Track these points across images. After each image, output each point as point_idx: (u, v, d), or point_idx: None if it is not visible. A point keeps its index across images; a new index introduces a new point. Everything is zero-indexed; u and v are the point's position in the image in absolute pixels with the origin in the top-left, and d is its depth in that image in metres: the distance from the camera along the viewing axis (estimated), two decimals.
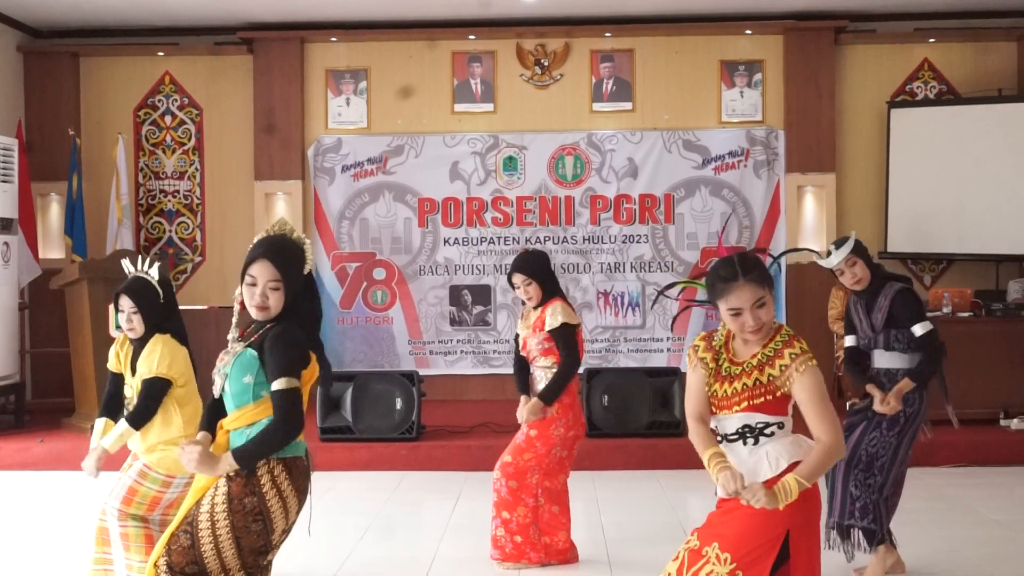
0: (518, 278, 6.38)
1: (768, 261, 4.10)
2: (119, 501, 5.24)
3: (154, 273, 5.34)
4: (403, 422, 9.55)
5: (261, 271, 3.99)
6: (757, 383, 3.78)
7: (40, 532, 7.50)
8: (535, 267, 6.39)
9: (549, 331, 6.30)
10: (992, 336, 9.98)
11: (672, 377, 9.72)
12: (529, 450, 6.34)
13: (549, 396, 6.27)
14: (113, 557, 5.30)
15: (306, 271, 4.08)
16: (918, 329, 6.09)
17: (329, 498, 8.27)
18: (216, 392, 4.10)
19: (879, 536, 6.04)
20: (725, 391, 3.85)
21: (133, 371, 5.33)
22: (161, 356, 5.23)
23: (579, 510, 7.04)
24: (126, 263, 5.46)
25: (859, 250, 6.19)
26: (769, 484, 3.70)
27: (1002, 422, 9.84)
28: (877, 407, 6.05)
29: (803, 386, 3.73)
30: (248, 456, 3.88)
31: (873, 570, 6.09)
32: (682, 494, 8.42)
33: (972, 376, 9.76)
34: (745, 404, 3.80)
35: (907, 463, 6.19)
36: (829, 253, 6.22)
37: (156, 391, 5.21)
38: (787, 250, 5.11)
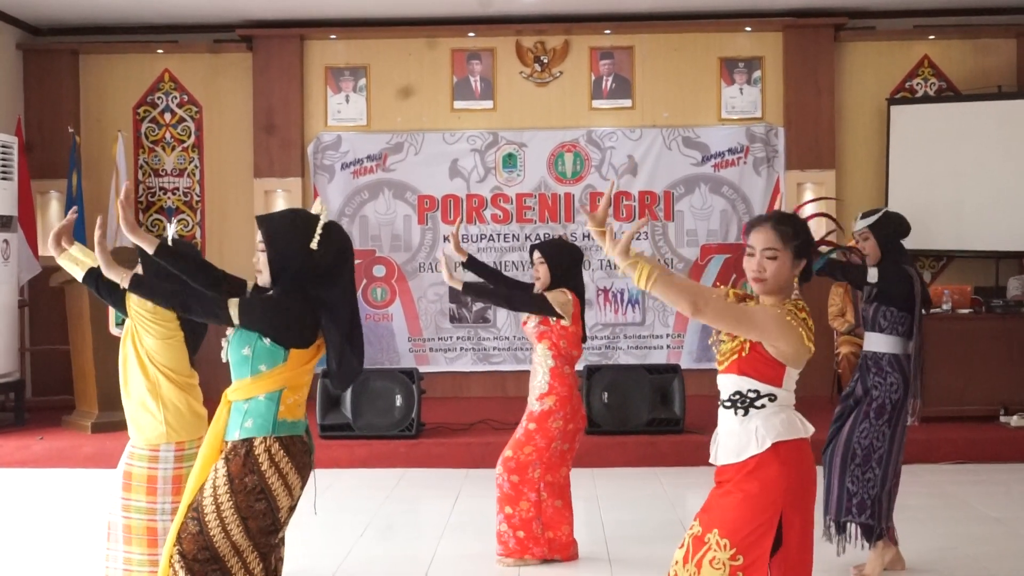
0: (536, 255, 6.53)
1: (824, 247, 4.10)
2: (120, 488, 5.27)
3: (169, 231, 5.32)
4: (403, 419, 9.56)
5: (258, 234, 4.11)
6: (746, 339, 3.78)
7: (40, 530, 7.51)
8: (554, 252, 6.51)
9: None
10: (991, 333, 9.98)
11: (672, 374, 9.72)
12: (529, 444, 6.37)
13: (472, 287, 6.67)
14: (110, 552, 5.32)
15: (313, 244, 4.03)
16: (871, 273, 6.11)
17: (328, 496, 8.26)
18: (223, 357, 4.13)
19: (878, 531, 6.05)
20: (726, 347, 3.83)
21: None
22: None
23: (579, 507, 7.05)
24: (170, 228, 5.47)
25: (877, 227, 6.20)
26: (758, 460, 3.71)
27: (1001, 419, 9.84)
28: None
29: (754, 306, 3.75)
30: (138, 278, 4.19)
31: (872, 566, 6.11)
32: (682, 491, 8.42)
33: (971, 373, 9.79)
34: (734, 359, 3.77)
35: (903, 452, 6.20)
36: (857, 220, 6.29)
37: (109, 284, 4.90)
38: (836, 247, 5.09)
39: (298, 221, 4.07)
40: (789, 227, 3.83)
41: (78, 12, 11.80)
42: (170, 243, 5.18)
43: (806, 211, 3.85)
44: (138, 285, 4.32)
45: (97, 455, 9.26)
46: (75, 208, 5.55)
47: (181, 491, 5.19)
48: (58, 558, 6.72)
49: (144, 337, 5.21)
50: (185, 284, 4.21)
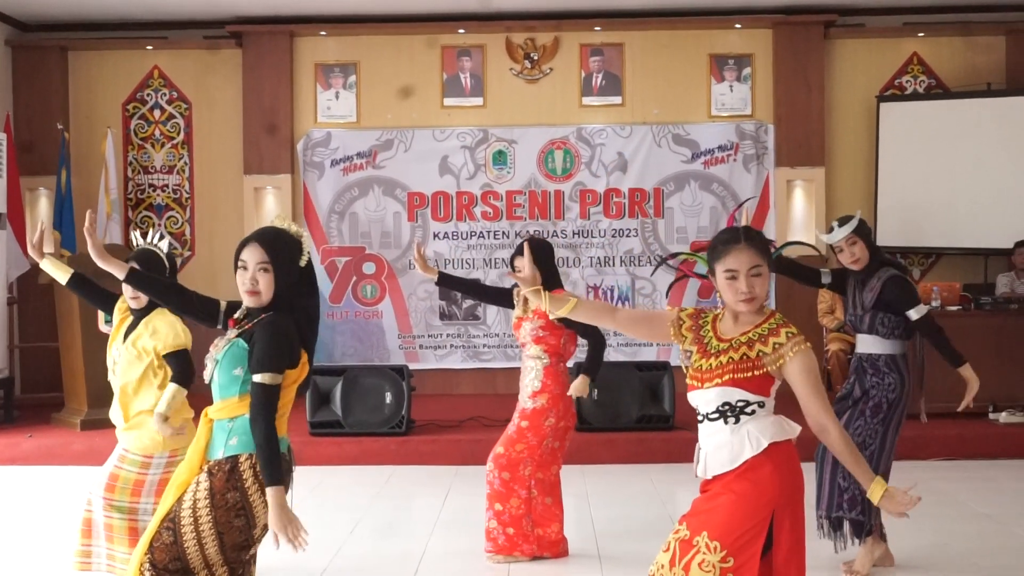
0: (521, 261, 6.32)
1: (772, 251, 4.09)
2: (103, 488, 5.26)
3: (163, 247, 5.34)
4: (393, 416, 9.55)
5: (250, 254, 4.00)
6: (744, 358, 3.75)
7: (29, 527, 7.49)
8: (539, 254, 6.38)
9: (554, 319, 6.27)
10: (980, 330, 9.99)
11: (661, 371, 9.74)
12: (521, 441, 6.35)
13: (594, 370, 6.38)
14: (94, 549, 5.32)
15: (302, 263, 4.07)
16: (913, 314, 6.08)
17: (318, 493, 8.27)
18: (206, 377, 4.09)
19: (868, 527, 6.06)
20: (709, 364, 3.81)
21: (124, 337, 5.34)
22: (170, 329, 5.26)
23: (569, 504, 7.05)
24: (136, 235, 5.46)
25: (862, 230, 6.20)
26: (750, 463, 3.72)
27: (991, 416, 9.86)
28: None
29: (798, 368, 3.70)
30: (265, 467, 3.86)
31: (861, 561, 6.12)
32: (672, 488, 8.43)
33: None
34: (728, 378, 3.75)
35: (894, 452, 6.21)
36: (831, 229, 6.25)
37: (186, 360, 5.24)
38: (789, 242, 5.08)
39: (289, 240, 4.07)
40: (759, 241, 3.85)
41: (67, 8, 11.77)
42: (164, 251, 5.23)
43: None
44: (135, 278, 4.33)
45: (87, 452, 9.23)
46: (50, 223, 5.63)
47: (163, 493, 5.20)
48: (48, 556, 6.70)
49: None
50: (255, 421, 3.97)
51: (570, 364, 6.59)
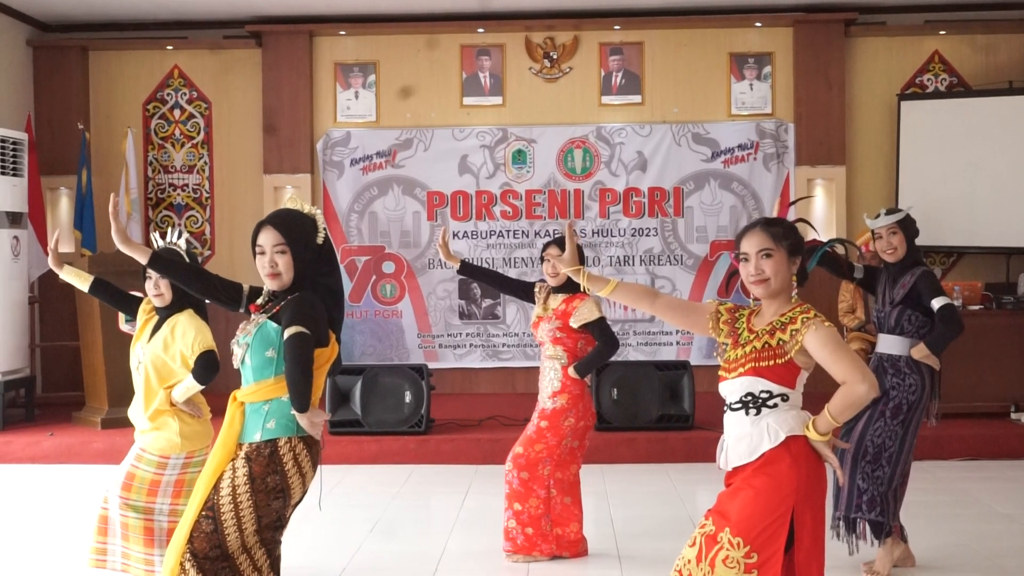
0: (555, 251, 6.32)
1: (811, 245, 4.13)
2: (120, 487, 5.28)
3: (182, 244, 5.35)
4: (412, 416, 9.56)
5: (266, 238, 4.06)
6: (766, 346, 3.79)
7: (49, 526, 7.52)
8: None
9: (584, 325, 6.28)
10: (1002, 329, 9.96)
11: (681, 370, 9.71)
12: (540, 441, 6.35)
13: (583, 369, 6.33)
14: (109, 547, 5.34)
15: (319, 240, 4.11)
16: (937, 303, 6.06)
17: (338, 492, 8.28)
18: (236, 363, 4.12)
19: (887, 529, 6.04)
20: (736, 354, 3.87)
21: (149, 337, 5.35)
22: (198, 331, 5.25)
23: (589, 503, 7.04)
24: (155, 236, 5.48)
25: (906, 224, 6.22)
26: (767, 456, 3.73)
27: (1012, 415, 9.82)
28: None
29: (816, 340, 3.71)
30: (295, 396, 3.96)
31: (881, 562, 6.10)
32: (692, 487, 8.41)
33: (982, 369, 9.77)
34: (750, 366, 3.79)
35: (913, 452, 6.19)
36: (878, 216, 6.26)
37: (212, 361, 5.21)
38: (834, 240, 5.05)
39: (304, 220, 4.12)
40: (778, 227, 3.91)
41: (87, 8, 11.81)
42: (183, 248, 5.24)
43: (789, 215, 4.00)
44: (158, 263, 4.35)
45: (107, 451, 9.28)
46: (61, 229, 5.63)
47: (180, 494, 5.24)
48: (68, 554, 6.72)
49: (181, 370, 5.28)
50: (291, 370, 4.07)
51: None
